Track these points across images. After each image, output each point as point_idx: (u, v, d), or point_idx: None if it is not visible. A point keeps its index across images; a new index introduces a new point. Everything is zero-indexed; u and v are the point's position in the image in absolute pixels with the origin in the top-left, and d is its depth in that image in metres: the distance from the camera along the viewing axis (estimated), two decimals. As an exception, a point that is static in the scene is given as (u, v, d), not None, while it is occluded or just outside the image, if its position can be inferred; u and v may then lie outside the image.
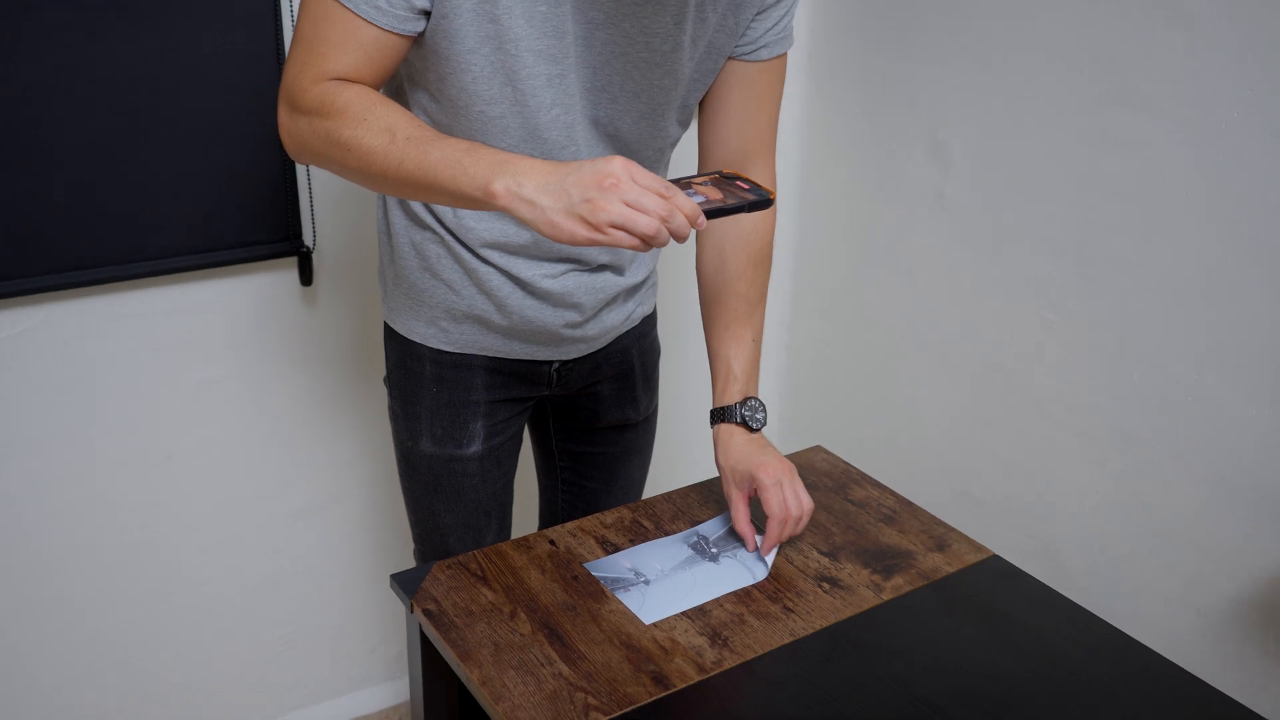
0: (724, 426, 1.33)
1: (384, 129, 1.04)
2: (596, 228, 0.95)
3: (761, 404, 1.34)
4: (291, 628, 1.93)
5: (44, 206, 1.49)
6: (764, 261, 1.37)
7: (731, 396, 1.34)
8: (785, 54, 1.30)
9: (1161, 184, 1.51)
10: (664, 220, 0.96)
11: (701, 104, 1.32)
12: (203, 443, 1.74)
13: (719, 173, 1.10)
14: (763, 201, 1.04)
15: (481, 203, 1.00)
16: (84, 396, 1.62)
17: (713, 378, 1.36)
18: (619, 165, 0.96)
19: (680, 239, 0.98)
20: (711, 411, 1.35)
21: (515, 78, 1.13)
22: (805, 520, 1.27)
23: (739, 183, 1.07)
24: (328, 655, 1.99)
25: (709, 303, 1.38)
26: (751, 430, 1.32)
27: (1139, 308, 1.57)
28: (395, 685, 2.08)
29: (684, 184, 1.04)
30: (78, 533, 1.68)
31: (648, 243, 0.96)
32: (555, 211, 0.96)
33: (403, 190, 1.06)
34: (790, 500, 1.25)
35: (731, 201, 1.03)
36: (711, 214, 1.01)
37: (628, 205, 0.95)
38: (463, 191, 1.00)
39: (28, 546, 1.65)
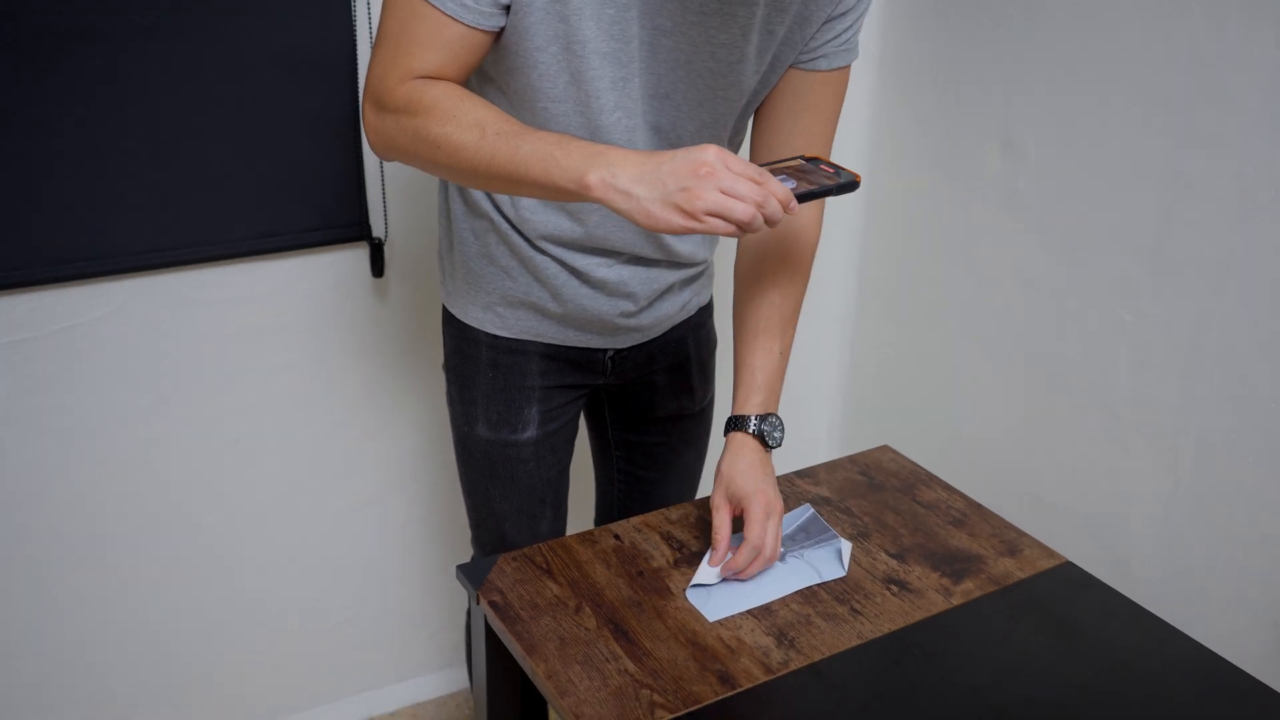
0: (737, 436, 1.28)
1: (473, 124, 1.04)
2: (693, 215, 0.95)
3: (781, 422, 1.29)
4: (352, 613, 1.95)
5: (125, 189, 1.51)
6: (801, 273, 1.33)
7: (752, 407, 1.29)
8: (846, 68, 1.26)
9: (1246, 184, 1.47)
10: (759, 206, 0.96)
11: (756, 111, 1.30)
12: (270, 428, 1.76)
13: (801, 158, 1.09)
14: (850, 184, 1.03)
15: (576, 195, 1.00)
16: (156, 379, 1.64)
17: (735, 384, 1.32)
18: (714, 153, 0.96)
19: (773, 225, 0.98)
20: (728, 418, 1.30)
21: (580, 78, 1.13)
22: (763, 565, 1.21)
23: (823, 166, 1.06)
24: (387, 642, 2.01)
25: (742, 307, 1.34)
26: (767, 447, 1.28)
27: (1217, 310, 1.53)
28: (453, 673, 2.10)
29: (770, 169, 1.03)
30: (144, 514, 1.71)
31: (744, 229, 0.96)
32: (651, 201, 0.96)
33: (494, 184, 1.06)
34: (769, 539, 1.21)
35: (819, 185, 1.02)
36: (802, 198, 1.01)
37: (724, 192, 0.95)
38: (556, 184, 1.00)
39: (97, 527, 1.68)
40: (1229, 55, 1.45)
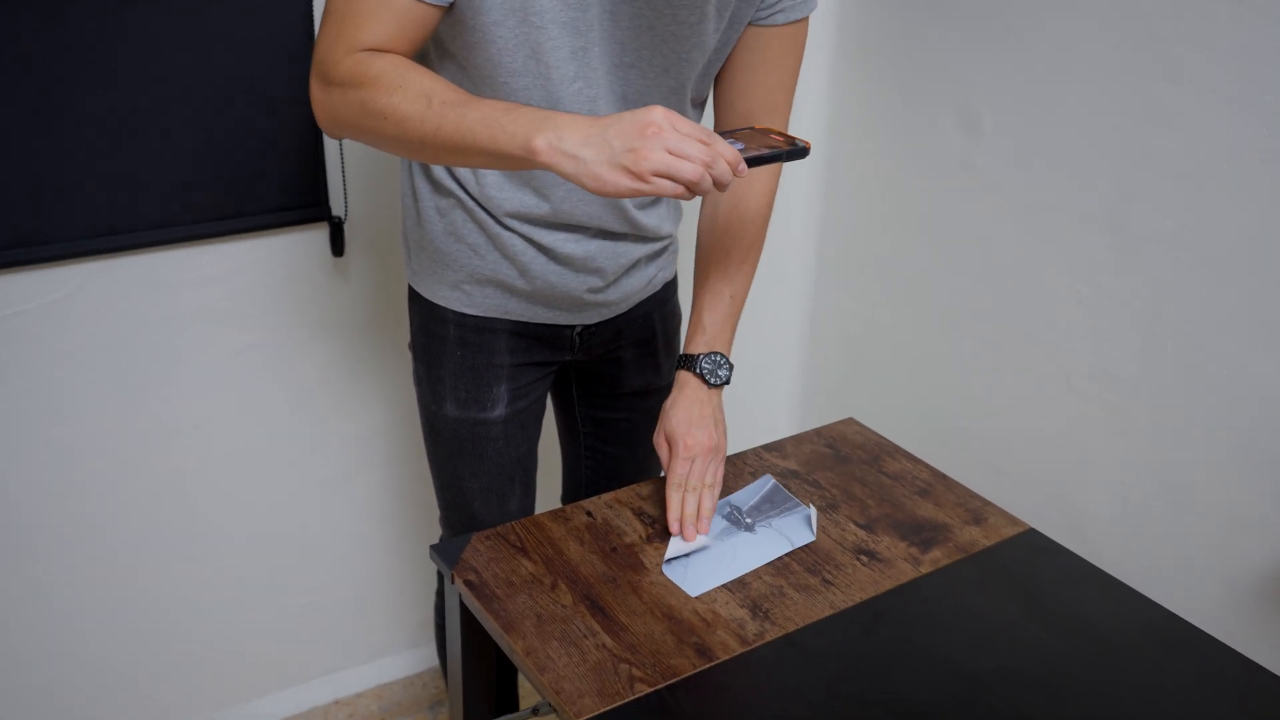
0: (680, 374, 1.32)
1: (420, 94, 1.03)
2: (640, 176, 0.95)
3: (726, 361, 1.32)
4: (318, 594, 1.94)
5: (79, 172, 1.48)
6: (753, 222, 1.35)
7: (695, 347, 1.33)
8: (804, 21, 1.27)
9: (1200, 158, 1.49)
10: (707, 166, 0.95)
11: (721, 71, 1.30)
12: (232, 410, 1.74)
13: (751, 127, 1.10)
14: (800, 151, 1.04)
15: (523, 161, 0.99)
16: (115, 362, 1.61)
17: (689, 326, 1.36)
18: (660, 114, 0.95)
19: (722, 187, 0.98)
20: (678, 358, 1.35)
21: (539, 50, 1.12)
22: (707, 502, 1.26)
23: (773, 135, 1.07)
24: (353, 622, 2.00)
25: (697, 259, 1.38)
26: (709, 385, 1.31)
27: (1173, 282, 1.56)
28: (420, 652, 2.09)
29: (721, 135, 1.03)
30: (104, 499, 1.68)
31: (692, 190, 0.96)
32: (598, 164, 0.95)
33: (441, 155, 1.05)
34: (694, 475, 1.26)
35: (769, 150, 1.03)
36: (752, 162, 1.01)
37: (671, 153, 0.94)
38: (503, 151, 0.99)
39: (55, 511, 1.65)
40: (1185, 30, 1.48)
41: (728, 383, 1.33)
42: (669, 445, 1.29)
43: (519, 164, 1.00)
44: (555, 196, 1.25)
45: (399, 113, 1.03)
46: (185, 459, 1.73)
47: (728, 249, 1.35)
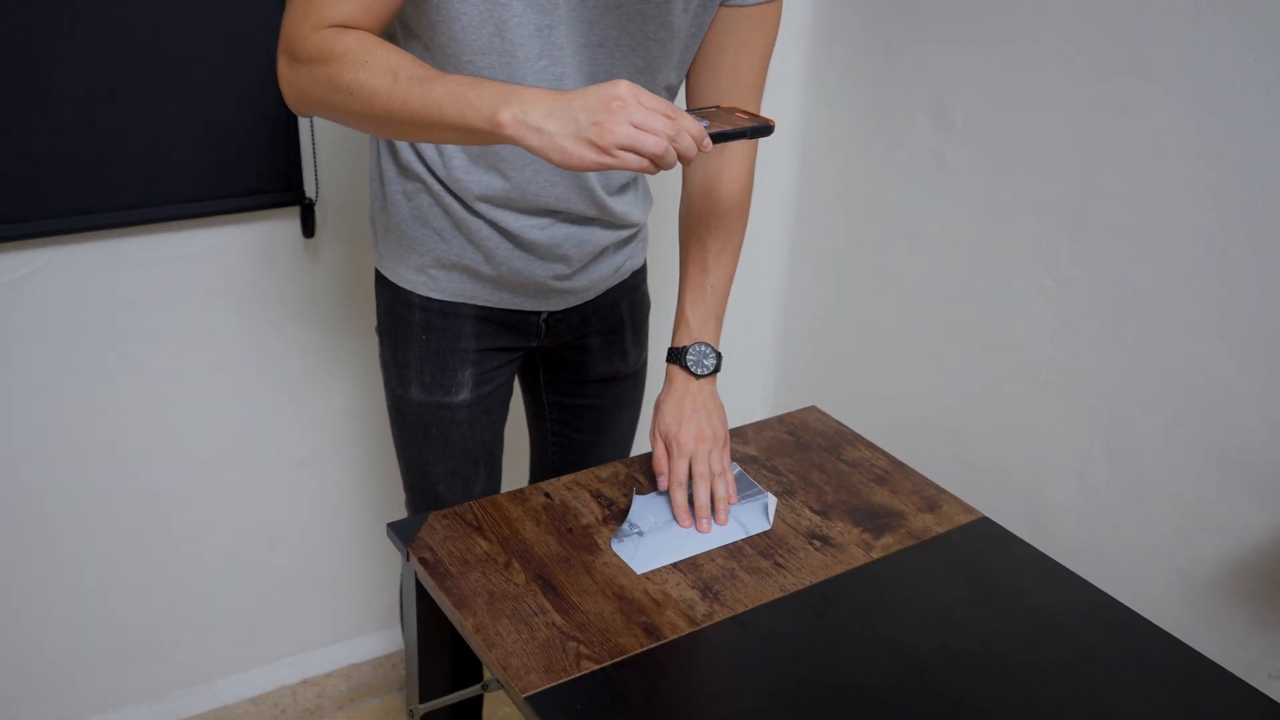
0: (669, 368, 1.36)
1: (386, 70, 1.03)
2: (605, 150, 0.95)
3: (712, 350, 1.35)
4: (287, 575, 1.95)
5: (47, 151, 1.48)
6: (729, 212, 1.37)
7: (680, 340, 1.36)
8: (776, 3, 1.28)
9: (1164, 152, 1.51)
10: (671, 140, 0.96)
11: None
12: (201, 390, 1.75)
13: (717, 106, 1.11)
14: (765, 128, 1.05)
15: (488, 135, 1.00)
16: (83, 341, 1.62)
17: (675, 316, 1.39)
18: (625, 88, 0.96)
19: (686, 161, 0.99)
20: (667, 352, 1.38)
21: (504, 27, 1.13)
22: (720, 489, 1.29)
23: (738, 113, 1.08)
24: (323, 603, 2.02)
25: (680, 251, 1.40)
26: (696, 376, 1.33)
27: (1136, 276, 1.58)
28: (389, 634, 2.11)
29: (687, 112, 1.05)
30: (72, 479, 1.69)
31: (656, 164, 0.97)
32: (563, 137, 0.96)
33: (408, 131, 1.06)
34: (697, 469, 1.29)
35: (734, 127, 1.04)
36: (716, 138, 1.02)
37: (635, 126, 0.95)
38: (469, 125, 1.00)
39: (23, 491, 1.66)
40: (1148, 25, 1.49)
41: (717, 370, 1.35)
42: (664, 445, 1.31)
43: (485, 138, 1.01)
44: (518, 177, 1.26)
45: (365, 88, 1.04)
46: (153, 438, 1.73)
47: (704, 240, 1.36)
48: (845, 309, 2.14)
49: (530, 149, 0.98)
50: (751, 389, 2.37)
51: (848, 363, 2.16)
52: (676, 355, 1.35)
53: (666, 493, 1.30)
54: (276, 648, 2.00)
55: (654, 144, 0.95)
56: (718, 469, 1.30)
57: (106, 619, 1.80)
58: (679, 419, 1.31)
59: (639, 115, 0.95)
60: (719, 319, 1.38)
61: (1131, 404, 1.61)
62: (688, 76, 1.34)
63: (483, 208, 1.28)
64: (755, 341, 2.32)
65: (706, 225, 1.36)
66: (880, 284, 2.03)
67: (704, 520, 1.26)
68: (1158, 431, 1.58)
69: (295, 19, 1.09)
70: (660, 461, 1.31)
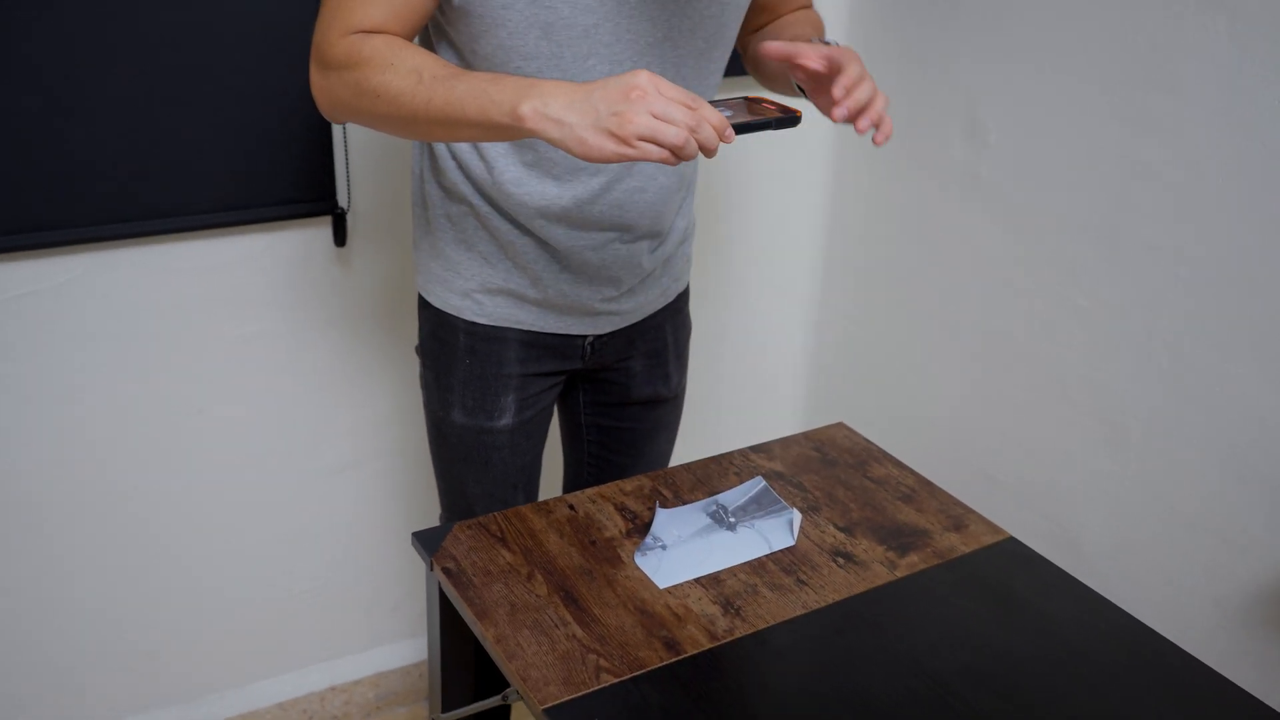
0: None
1: (410, 70, 1.05)
2: (624, 140, 0.95)
3: None
4: (317, 583, 1.97)
5: (86, 158, 1.51)
6: (813, 19, 1.37)
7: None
8: None
9: (1198, 170, 1.50)
10: (692, 131, 0.96)
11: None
12: (234, 398, 1.77)
13: (744, 96, 1.10)
14: (791, 119, 1.04)
15: (510, 129, 1.00)
16: (120, 347, 1.65)
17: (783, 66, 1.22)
18: (644, 78, 0.96)
19: (709, 152, 0.98)
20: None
21: (550, 30, 1.13)
22: (880, 102, 1.10)
23: (765, 103, 1.07)
24: (352, 611, 2.03)
25: (761, 54, 1.24)
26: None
27: (1169, 295, 1.56)
28: (417, 642, 2.12)
29: (711, 103, 1.04)
30: (107, 484, 1.72)
31: (676, 154, 0.96)
32: (583, 128, 0.96)
33: (434, 130, 1.07)
34: (856, 72, 1.10)
35: (759, 117, 1.03)
36: (740, 128, 1.01)
37: (655, 116, 0.95)
38: (491, 119, 1.01)
39: (58, 494, 1.68)
40: (1182, 42, 1.48)
41: None
42: (825, 59, 1.13)
43: (508, 133, 1.02)
44: (579, 181, 1.25)
45: (391, 89, 1.05)
46: (188, 444, 1.76)
47: (796, 30, 1.32)
48: (876, 325, 2.13)
49: (551, 141, 0.99)
50: (781, 405, 2.36)
51: (877, 379, 2.15)
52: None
53: (688, 507, 1.30)
54: (305, 654, 2.02)
55: (674, 134, 0.95)
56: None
57: (139, 622, 1.82)
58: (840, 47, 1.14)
59: (659, 105, 0.95)
60: None
61: (1165, 426, 1.59)
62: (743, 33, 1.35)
63: (537, 224, 1.27)
64: (786, 357, 2.32)
65: (794, 23, 1.33)
66: (911, 301, 2.02)
67: (865, 117, 1.09)
68: (1192, 455, 1.56)
69: (324, 26, 1.11)
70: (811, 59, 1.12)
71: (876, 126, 1.10)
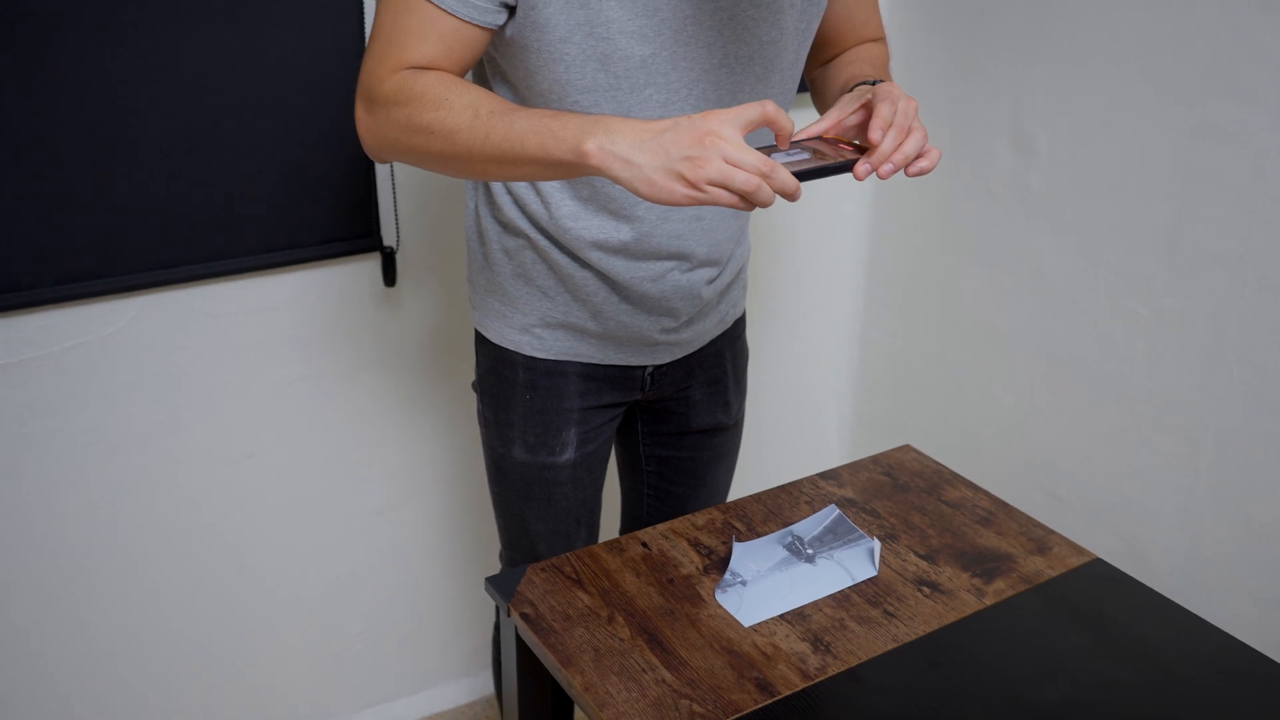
0: (876, 86, 1.12)
1: (466, 106, 1.02)
2: (695, 185, 0.93)
3: None
4: (368, 624, 1.94)
5: (128, 204, 1.50)
6: (880, 51, 1.35)
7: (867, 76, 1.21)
8: None
9: (1261, 177, 1.46)
10: (765, 176, 0.93)
11: (820, 34, 1.31)
12: (283, 441, 1.75)
13: (821, 135, 1.07)
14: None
15: (575, 166, 0.97)
16: (169, 394, 1.63)
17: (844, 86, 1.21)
18: (716, 121, 0.93)
19: (788, 195, 0.95)
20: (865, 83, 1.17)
21: (609, 61, 1.11)
22: (913, 145, 1.04)
23: (843, 144, 1.05)
24: (403, 652, 2.00)
25: (823, 85, 1.30)
26: None
27: (1235, 304, 1.53)
28: (469, 681, 2.09)
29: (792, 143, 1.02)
30: (158, 529, 1.69)
31: (748, 200, 0.93)
32: (654, 170, 0.93)
33: (490, 168, 1.04)
34: (902, 113, 1.04)
35: (833, 160, 1.01)
36: (815, 172, 0.98)
37: (728, 161, 0.92)
38: (553, 157, 0.98)
39: (110, 543, 1.66)
40: (1243, 45, 1.45)
41: None
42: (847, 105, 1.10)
43: (570, 170, 0.99)
44: (638, 217, 1.23)
45: (445, 126, 1.03)
46: (237, 490, 1.73)
47: (863, 57, 1.30)
48: (923, 342, 2.10)
49: (617, 180, 0.96)
50: (829, 424, 2.33)
51: (930, 398, 2.11)
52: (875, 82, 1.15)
53: (764, 540, 1.27)
54: (357, 698, 1.99)
55: (744, 180, 0.92)
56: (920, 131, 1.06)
57: (189, 667, 1.80)
58: (888, 86, 1.10)
59: (732, 150, 0.92)
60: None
61: (1237, 437, 1.56)
62: (815, 53, 1.34)
63: (595, 256, 1.25)
64: (832, 375, 2.29)
65: (860, 56, 1.30)
66: (961, 316, 1.99)
67: (911, 163, 1.04)
68: (1263, 466, 1.53)
69: (374, 62, 1.09)
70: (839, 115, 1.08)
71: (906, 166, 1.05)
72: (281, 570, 1.82)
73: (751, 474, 1.95)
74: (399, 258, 1.71)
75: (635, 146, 0.94)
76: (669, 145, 0.93)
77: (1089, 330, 1.75)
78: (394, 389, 1.81)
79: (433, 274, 1.75)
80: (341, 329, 1.72)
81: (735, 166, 0.92)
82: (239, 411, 1.69)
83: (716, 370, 1.45)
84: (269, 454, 1.74)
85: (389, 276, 1.69)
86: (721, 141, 0.93)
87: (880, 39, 1.37)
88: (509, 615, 1.17)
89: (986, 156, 1.87)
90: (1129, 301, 1.67)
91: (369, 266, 1.70)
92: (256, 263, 1.60)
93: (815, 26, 1.25)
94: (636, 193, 0.95)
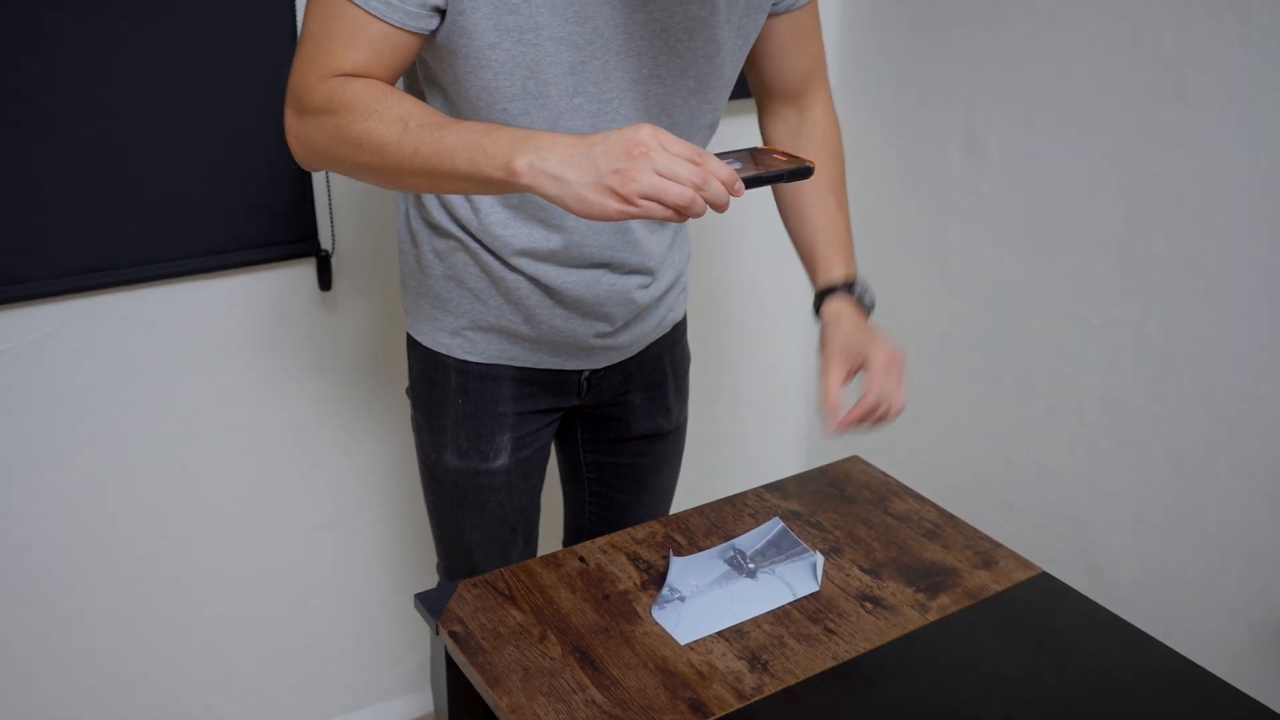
0: (833, 304, 1.26)
1: (396, 119, 0.98)
2: (627, 199, 0.89)
3: (866, 282, 1.29)
4: (312, 640, 1.89)
5: (61, 207, 1.45)
6: (835, 157, 1.34)
7: (838, 275, 1.28)
8: None
9: (1213, 182, 1.45)
10: (698, 188, 0.89)
11: (754, 60, 1.29)
12: (219, 451, 1.70)
13: (752, 148, 1.04)
14: (803, 170, 0.99)
15: (504, 184, 0.94)
16: (99, 403, 1.58)
17: (808, 262, 1.31)
18: (648, 133, 0.90)
19: (719, 208, 0.92)
20: (816, 295, 1.29)
21: (537, 68, 1.08)
22: (892, 417, 1.21)
23: (775, 155, 1.02)
24: (349, 668, 1.95)
25: (785, 211, 1.33)
26: (865, 308, 1.27)
27: (1187, 311, 1.51)
28: (418, 697, 2.04)
29: (719, 155, 0.98)
30: (90, 543, 1.64)
31: (681, 213, 0.90)
32: (584, 185, 0.90)
33: (419, 182, 1.01)
34: (892, 389, 1.20)
35: (769, 170, 0.98)
36: (750, 182, 0.95)
37: (659, 174, 0.89)
38: (483, 174, 0.94)
39: (40, 557, 1.61)
40: (1192, 50, 1.44)
41: (875, 304, 1.29)
42: (845, 362, 1.22)
43: (501, 187, 0.96)
44: (568, 227, 1.20)
45: (374, 138, 0.99)
46: (173, 502, 1.68)
47: (799, 195, 1.31)
48: (879, 349, 2.07)
49: (548, 197, 0.92)
50: (782, 436, 2.30)
51: (884, 404, 2.09)
52: (840, 290, 1.26)
53: (704, 554, 1.24)
54: (302, 713, 1.94)
55: (678, 193, 0.89)
56: (901, 402, 1.22)
57: (127, 686, 1.74)
58: (870, 335, 1.23)
59: (663, 162, 0.89)
60: (849, 250, 1.30)
61: (1187, 445, 1.54)
62: (753, 83, 1.32)
63: (523, 263, 1.22)
64: (786, 385, 2.26)
65: (819, 163, 1.30)
66: (913, 323, 1.97)
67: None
68: (1217, 474, 1.51)
69: (303, 68, 1.05)
70: (838, 384, 1.22)
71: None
72: (219, 585, 1.77)
73: (702, 485, 1.92)
74: (334, 261, 1.66)
75: (565, 163, 0.91)
76: (599, 159, 0.90)
77: (1041, 338, 1.73)
78: (334, 397, 1.76)
79: (370, 278, 1.71)
80: (277, 335, 1.68)
81: (667, 179, 0.89)
82: (172, 422, 1.64)
83: (655, 375, 1.42)
84: (204, 466, 1.69)
85: (324, 280, 1.65)
86: (653, 153, 0.89)
87: (824, 89, 1.37)
88: (437, 634, 1.13)
89: (939, 164, 1.85)
90: (1081, 309, 1.65)
91: (305, 271, 1.66)
92: (189, 267, 1.56)
93: (750, 43, 1.23)
94: (569, 209, 0.92)
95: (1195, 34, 1.42)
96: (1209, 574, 1.55)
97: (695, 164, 0.90)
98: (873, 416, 1.20)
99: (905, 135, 1.90)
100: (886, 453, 1.75)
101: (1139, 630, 1.15)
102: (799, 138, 1.34)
